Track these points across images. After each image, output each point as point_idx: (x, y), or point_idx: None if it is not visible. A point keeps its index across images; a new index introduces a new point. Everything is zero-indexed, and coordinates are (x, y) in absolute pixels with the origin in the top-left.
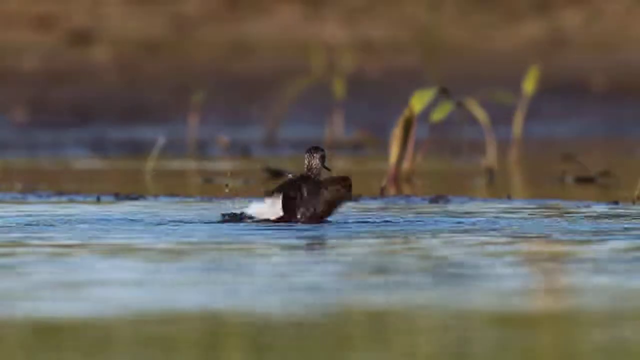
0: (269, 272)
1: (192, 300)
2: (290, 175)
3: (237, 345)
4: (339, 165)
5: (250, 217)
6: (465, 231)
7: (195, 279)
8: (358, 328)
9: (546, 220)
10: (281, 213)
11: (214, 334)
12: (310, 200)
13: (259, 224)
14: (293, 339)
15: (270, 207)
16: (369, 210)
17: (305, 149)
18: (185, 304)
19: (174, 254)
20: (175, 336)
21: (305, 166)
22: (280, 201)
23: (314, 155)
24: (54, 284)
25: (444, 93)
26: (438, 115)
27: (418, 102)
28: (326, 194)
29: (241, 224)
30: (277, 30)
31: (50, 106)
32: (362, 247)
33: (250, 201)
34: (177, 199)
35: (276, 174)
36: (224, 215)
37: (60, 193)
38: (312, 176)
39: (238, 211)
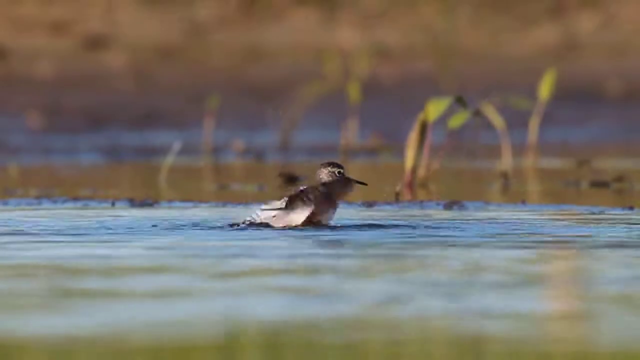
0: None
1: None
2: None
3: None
4: (354, 170)
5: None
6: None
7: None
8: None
9: (561, 225)
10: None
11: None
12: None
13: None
14: None
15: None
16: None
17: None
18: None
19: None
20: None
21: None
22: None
23: (326, 170)
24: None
25: (459, 102)
26: (455, 122)
27: (433, 110)
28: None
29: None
30: (292, 36)
31: (64, 111)
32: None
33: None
34: (191, 204)
35: (291, 179)
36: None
37: (75, 198)
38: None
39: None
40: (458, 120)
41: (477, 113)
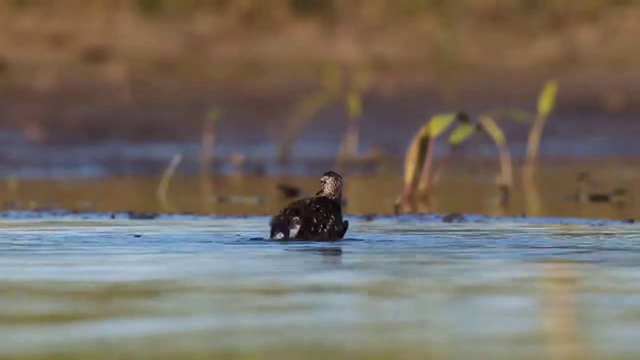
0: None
1: None
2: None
3: None
4: (354, 183)
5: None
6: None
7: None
8: None
9: (560, 238)
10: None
11: None
12: (331, 219)
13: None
14: None
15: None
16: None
17: (323, 173)
18: None
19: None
20: None
21: (322, 189)
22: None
23: (330, 178)
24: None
25: (462, 119)
26: (457, 137)
27: (436, 127)
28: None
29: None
30: (292, 49)
31: (64, 124)
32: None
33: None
34: (191, 217)
35: (291, 192)
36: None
37: (74, 211)
38: (330, 197)
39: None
40: (460, 135)
41: (479, 128)
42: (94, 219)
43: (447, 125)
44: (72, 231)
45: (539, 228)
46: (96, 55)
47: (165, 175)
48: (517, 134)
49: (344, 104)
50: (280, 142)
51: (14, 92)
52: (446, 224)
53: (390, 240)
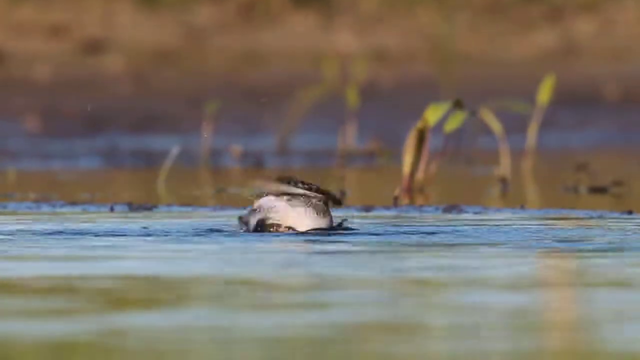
0: None
1: None
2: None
3: None
4: (351, 175)
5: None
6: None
7: None
8: None
9: (559, 230)
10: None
11: None
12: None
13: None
14: None
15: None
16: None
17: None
18: None
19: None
20: None
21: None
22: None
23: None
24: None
25: (458, 106)
26: (450, 125)
27: (432, 115)
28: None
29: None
30: (291, 40)
31: (62, 115)
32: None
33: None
34: (190, 208)
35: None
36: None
37: (73, 203)
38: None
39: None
40: (454, 123)
41: (473, 114)
42: (93, 210)
43: (444, 114)
44: (71, 223)
45: (538, 219)
46: (95, 47)
47: (164, 166)
48: (515, 126)
49: (342, 95)
50: (279, 133)
51: (12, 83)
52: (445, 215)
53: (389, 233)
